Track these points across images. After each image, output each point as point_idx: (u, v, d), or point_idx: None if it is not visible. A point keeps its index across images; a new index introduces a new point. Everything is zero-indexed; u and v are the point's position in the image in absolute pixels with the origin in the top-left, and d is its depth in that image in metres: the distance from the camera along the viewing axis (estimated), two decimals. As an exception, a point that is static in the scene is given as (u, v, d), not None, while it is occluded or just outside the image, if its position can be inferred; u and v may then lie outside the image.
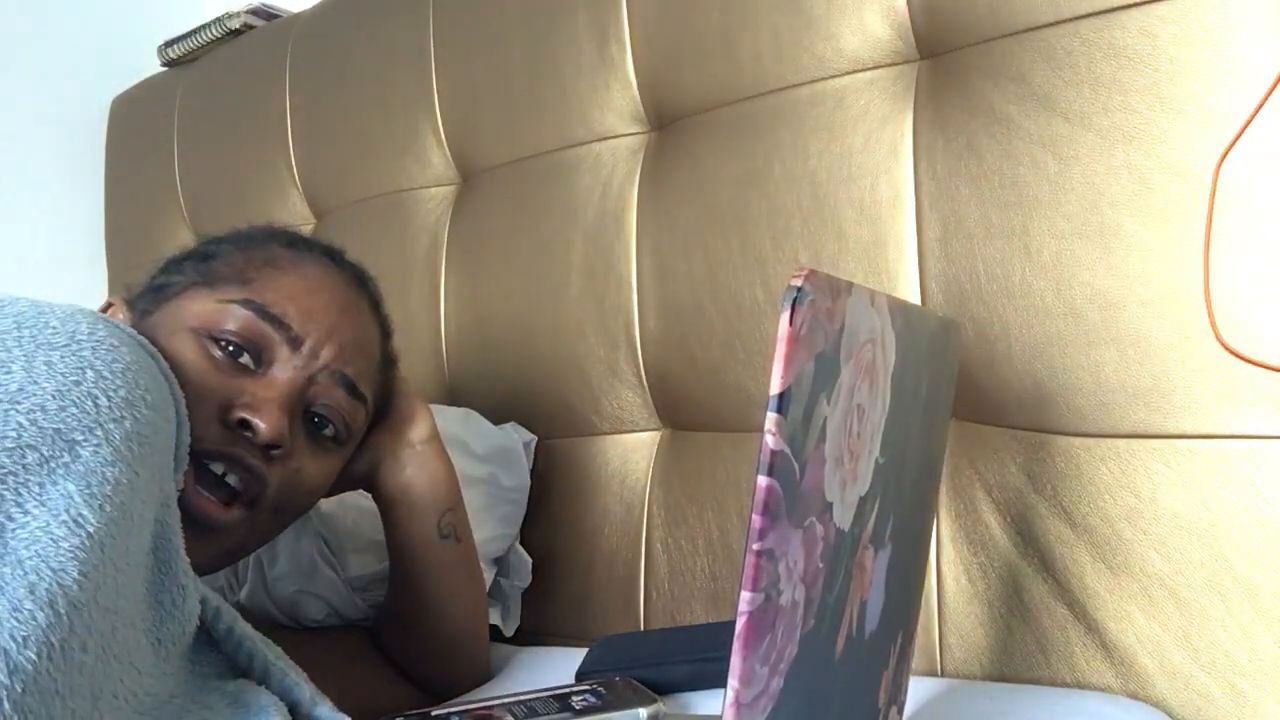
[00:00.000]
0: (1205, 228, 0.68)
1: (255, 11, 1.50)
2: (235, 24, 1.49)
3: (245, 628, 0.63)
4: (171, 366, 0.67)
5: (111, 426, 0.55)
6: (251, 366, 0.71)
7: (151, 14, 1.68)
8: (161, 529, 0.59)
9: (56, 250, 1.64)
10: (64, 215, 1.66)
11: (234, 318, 0.71)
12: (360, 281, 0.81)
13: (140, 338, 0.63)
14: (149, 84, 1.63)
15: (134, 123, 1.63)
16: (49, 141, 1.65)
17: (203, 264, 0.76)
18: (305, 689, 0.62)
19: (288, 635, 0.88)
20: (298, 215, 1.34)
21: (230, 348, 0.71)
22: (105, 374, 0.57)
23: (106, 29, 1.69)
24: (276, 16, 1.50)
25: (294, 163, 1.34)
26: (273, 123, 1.36)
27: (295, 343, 0.72)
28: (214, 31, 1.51)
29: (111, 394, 0.56)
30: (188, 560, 0.60)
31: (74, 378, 0.56)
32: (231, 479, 0.68)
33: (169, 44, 1.57)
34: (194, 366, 0.69)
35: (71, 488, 0.52)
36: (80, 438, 0.54)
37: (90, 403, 0.55)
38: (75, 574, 0.49)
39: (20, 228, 1.62)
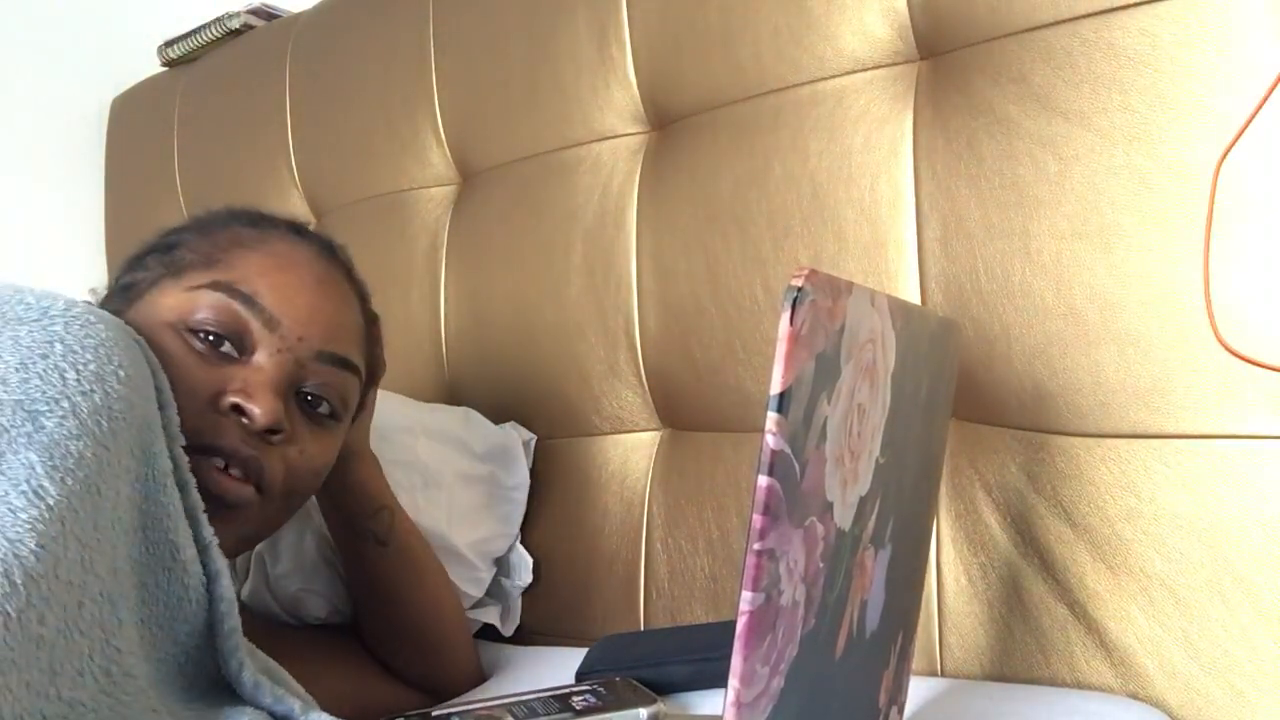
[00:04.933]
0: (1205, 228, 0.68)
1: (255, 11, 1.49)
2: (235, 24, 1.49)
3: (240, 639, 0.62)
4: None
5: (79, 400, 0.54)
6: (235, 354, 0.69)
7: (151, 14, 1.68)
8: (152, 508, 0.58)
9: (56, 250, 1.64)
10: (64, 215, 1.66)
11: (206, 303, 0.69)
12: (330, 250, 0.78)
13: (124, 324, 0.62)
14: (149, 84, 1.63)
15: (134, 123, 1.63)
16: (49, 141, 1.65)
17: (167, 255, 0.74)
18: (295, 702, 0.60)
19: (289, 633, 0.88)
20: (298, 215, 1.34)
21: (209, 337, 0.68)
22: (75, 348, 0.56)
23: (106, 29, 1.69)
24: (276, 16, 1.50)
25: (294, 163, 1.34)
26: (273, 123, 1.36)
27: (272, 324, 0.70)
28: (214, 31, 1.51)
29: (81, 368, 0.55)
30: (193, 547, 0.59)
31: (40, 351, 0.55)
32: (235, 471, 0.67)
33: (169, 44, 1.56)
34: (178, 361, 0.66)
35: (34, 458, 0.51)
36: (44, 409, 0.53)
37: (57, 375, 0.54)
38: (33, 545, 0.49)
39: (21, 228, 1.62)
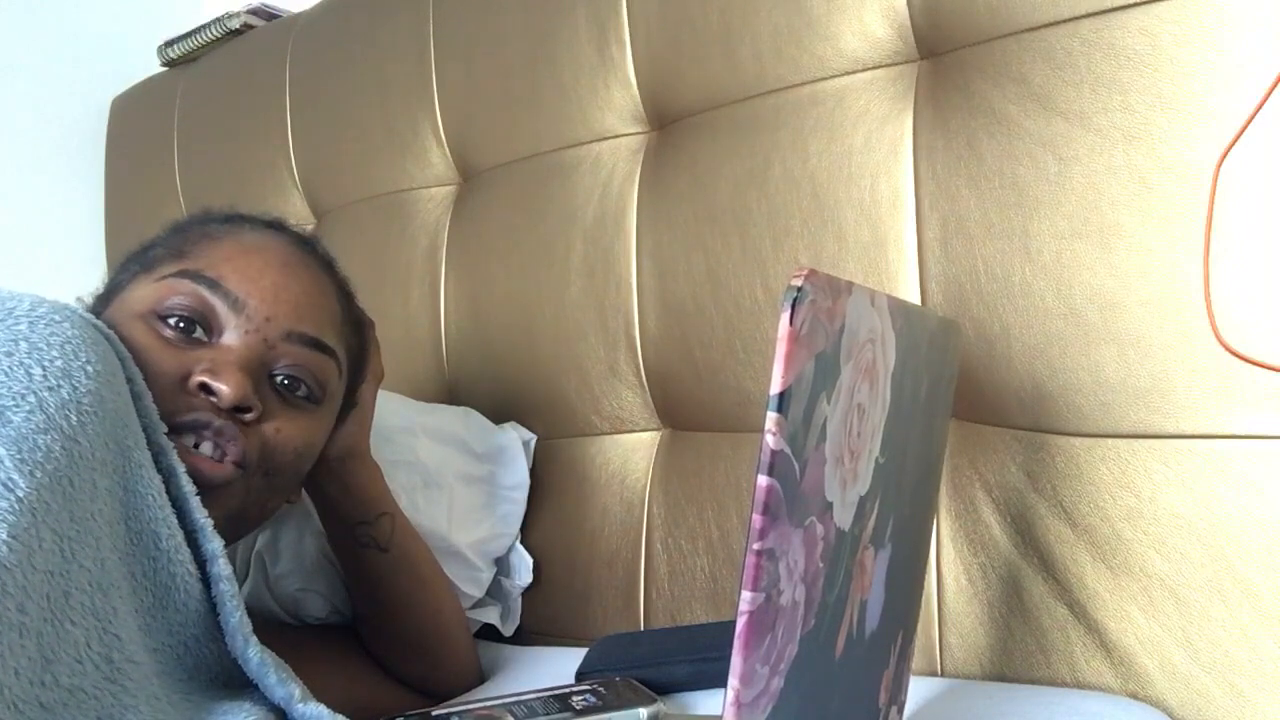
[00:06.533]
0: (1205, 228, 0.68)
1: (255, 11, 1.50)
2: (235, 24, 1.49)
3: (245, 616, 0.62)
4: None
5: (46, 395, 0.55)
6: (204, 339, 0.70)
7: (151, 14, 1.68)
8: (132, 499, 0.58)
9: (56, 250, 1.64)
10: (64, 215, 1.66)
11: (173, 291, 0.70)
12: (303, 243, 0.79)
13: (94, 319, 0.63)
14: (149, 84, 1.63)
15: (134, 123, 1.63)
16: (49, 141, 1.65)
17: (142, 256, 0.76)
18: (295, 686, 0.61)
19: (289, 633, 0.88)
20: (298, 215, 1.34)
21: (179, 323, 0.69)
22: (41, 345, 0.57)
23: (106, 29, 1.69)
24: (276, 16, 1.50)
25: (294, 163, 1.34)
26: (273, 123, 1.36)
27: (237, 305, 0.70)
28: (214, 31, 1.51)
29: (47, 364, 0.56)
30: (178, 534, 0.60)
31: (5, 349, 0.56)
32: (205, 447, 0.66)
33: (169, 44, 1.57)
34: (147, 349, 0.67)
35: (1, 452, 0.52)
36: (10, 404, 0.54)
37: (22, 372, 0.55)
38: (3, 536, 0.49)
39: (20, 228, 1.62)
